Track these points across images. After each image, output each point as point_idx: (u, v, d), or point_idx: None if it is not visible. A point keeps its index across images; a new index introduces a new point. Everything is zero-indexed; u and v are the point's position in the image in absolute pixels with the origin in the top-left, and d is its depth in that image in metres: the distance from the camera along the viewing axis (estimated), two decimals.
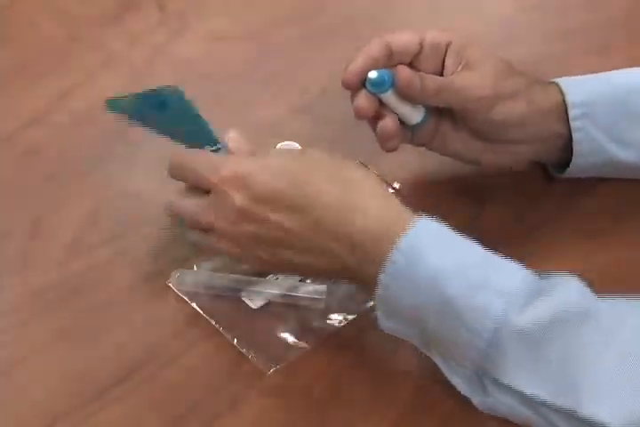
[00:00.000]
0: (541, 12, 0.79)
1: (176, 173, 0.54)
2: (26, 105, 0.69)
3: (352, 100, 0.56)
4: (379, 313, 0.49)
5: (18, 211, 0.62)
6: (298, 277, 0.57)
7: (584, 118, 0.58)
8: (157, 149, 0.67)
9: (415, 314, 0.47)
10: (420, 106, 0.58)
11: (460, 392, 0.49)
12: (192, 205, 0.53)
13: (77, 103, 0.70)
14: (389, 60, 0.56)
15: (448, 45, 0.57)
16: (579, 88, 0.58)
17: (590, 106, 0.58)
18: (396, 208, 0.49)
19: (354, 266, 0.49)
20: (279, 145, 0.63)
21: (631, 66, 0.73)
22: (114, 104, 0.54)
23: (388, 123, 0.56)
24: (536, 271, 0.48)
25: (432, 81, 0.55)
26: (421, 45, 0.57)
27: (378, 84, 0.55)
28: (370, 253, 0.48)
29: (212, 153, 0.54)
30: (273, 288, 0.57)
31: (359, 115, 0.56)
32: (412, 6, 0.80)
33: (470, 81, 0.56)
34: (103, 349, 0.55)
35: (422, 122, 0.58)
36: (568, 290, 0.47)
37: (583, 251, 0.60)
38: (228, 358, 0.54)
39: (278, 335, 0.55)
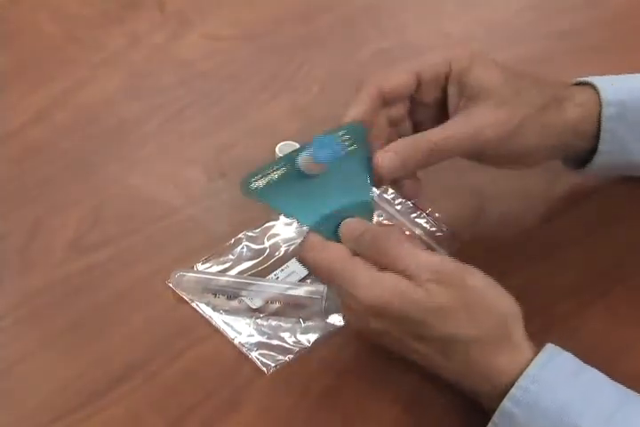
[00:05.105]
0: (541, 13, 0.79)
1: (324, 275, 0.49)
2: (26, 105, 0.69)
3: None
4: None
5: (18, 211, 0.62)
6: (297, 277, 0.57)
7: (617, 118, 0.55)
8: (158, 148, 0.67)
9: None
10: None
11: (456, 391, 0.50)
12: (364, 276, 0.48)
13: (78, 103, 0.70)
14: (384, 105, 0.52)
15: (448, 74, 0.52)
16: (615, 86, 0.56)
17: (625, 105, 0.55)
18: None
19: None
20: (279, 145, 0.63)
21: (630, 66, 0.74)
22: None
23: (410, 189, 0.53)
24: None
25: (421, 148, 0.50)
26: (419, 82, 0.52)
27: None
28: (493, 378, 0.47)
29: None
30: (273, 288, 0.57)
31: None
32: (411, 7, 0.80)
33: (472, 124, 0.51)
34: (103, 348, 0.55)
35: None
36: None
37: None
38: (228, 358, 0.54)
39: (278, 335, 0.55)
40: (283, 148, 0.63)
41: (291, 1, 0.80)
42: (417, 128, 0.54)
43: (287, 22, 0.77)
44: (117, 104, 0.70)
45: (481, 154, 0.53)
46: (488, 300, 0.48)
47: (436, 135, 0.51)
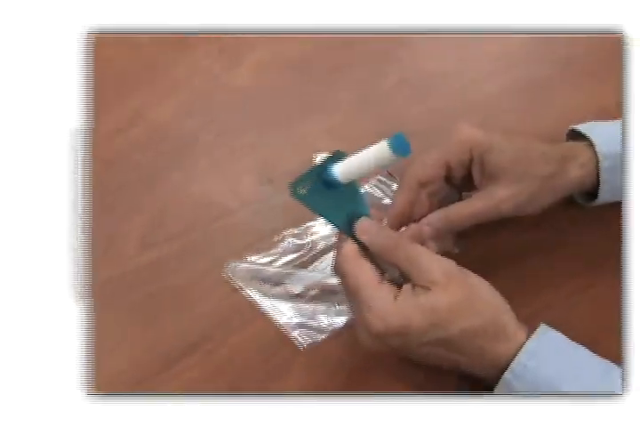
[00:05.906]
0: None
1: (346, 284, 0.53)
2: (106, 120, 0.73)
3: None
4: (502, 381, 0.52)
5: (102, 213, 0.66)
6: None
7: (613, 170, 0.60)
8: (215, 160, 0.71)
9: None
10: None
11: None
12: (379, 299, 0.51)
13: (151, 120, 0.74)
14: (422, 187, 0.60)
15: (470, 159, 0.60)
16: (609, 139, 0.60)
17: (618, 157, 0.58)
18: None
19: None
20: (317, 155, 0.68)
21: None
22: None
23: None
24: None
25: (451, 220, 0.59)
26: (448, 168, 0.60)
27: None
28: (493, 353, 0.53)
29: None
30: (312, 277, 0.61)
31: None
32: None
33: (491, 200, 0.59)
34: (169, 328, 0.60)
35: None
36: None
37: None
38: (274, 337, 0.59)
39: (316, 317, 0.59)
40: (320, 157, 0.68)
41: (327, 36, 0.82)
42: (451, 189, 0.63)
43: (324, 52, 0.81)
44: (181, 123, 0.75)
45: (501, 218, 0.61)
46: (484, 296, 0.53)
47: (463, 210, 0.59)
